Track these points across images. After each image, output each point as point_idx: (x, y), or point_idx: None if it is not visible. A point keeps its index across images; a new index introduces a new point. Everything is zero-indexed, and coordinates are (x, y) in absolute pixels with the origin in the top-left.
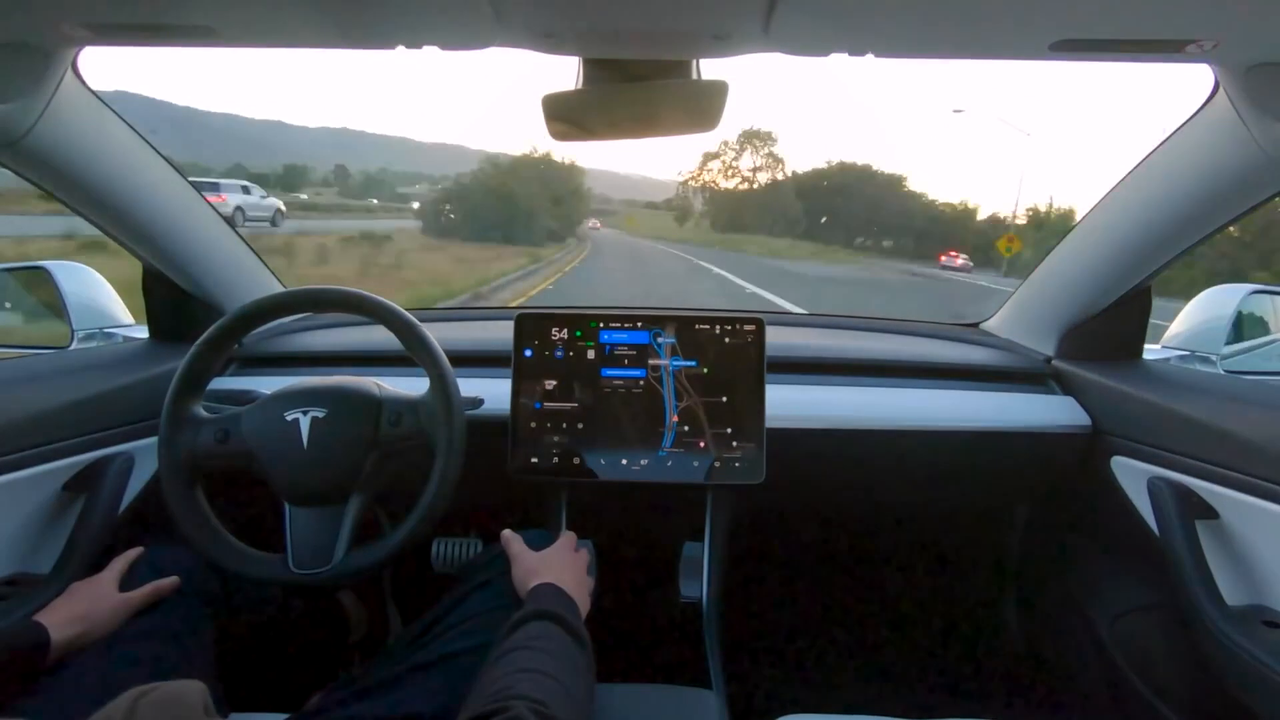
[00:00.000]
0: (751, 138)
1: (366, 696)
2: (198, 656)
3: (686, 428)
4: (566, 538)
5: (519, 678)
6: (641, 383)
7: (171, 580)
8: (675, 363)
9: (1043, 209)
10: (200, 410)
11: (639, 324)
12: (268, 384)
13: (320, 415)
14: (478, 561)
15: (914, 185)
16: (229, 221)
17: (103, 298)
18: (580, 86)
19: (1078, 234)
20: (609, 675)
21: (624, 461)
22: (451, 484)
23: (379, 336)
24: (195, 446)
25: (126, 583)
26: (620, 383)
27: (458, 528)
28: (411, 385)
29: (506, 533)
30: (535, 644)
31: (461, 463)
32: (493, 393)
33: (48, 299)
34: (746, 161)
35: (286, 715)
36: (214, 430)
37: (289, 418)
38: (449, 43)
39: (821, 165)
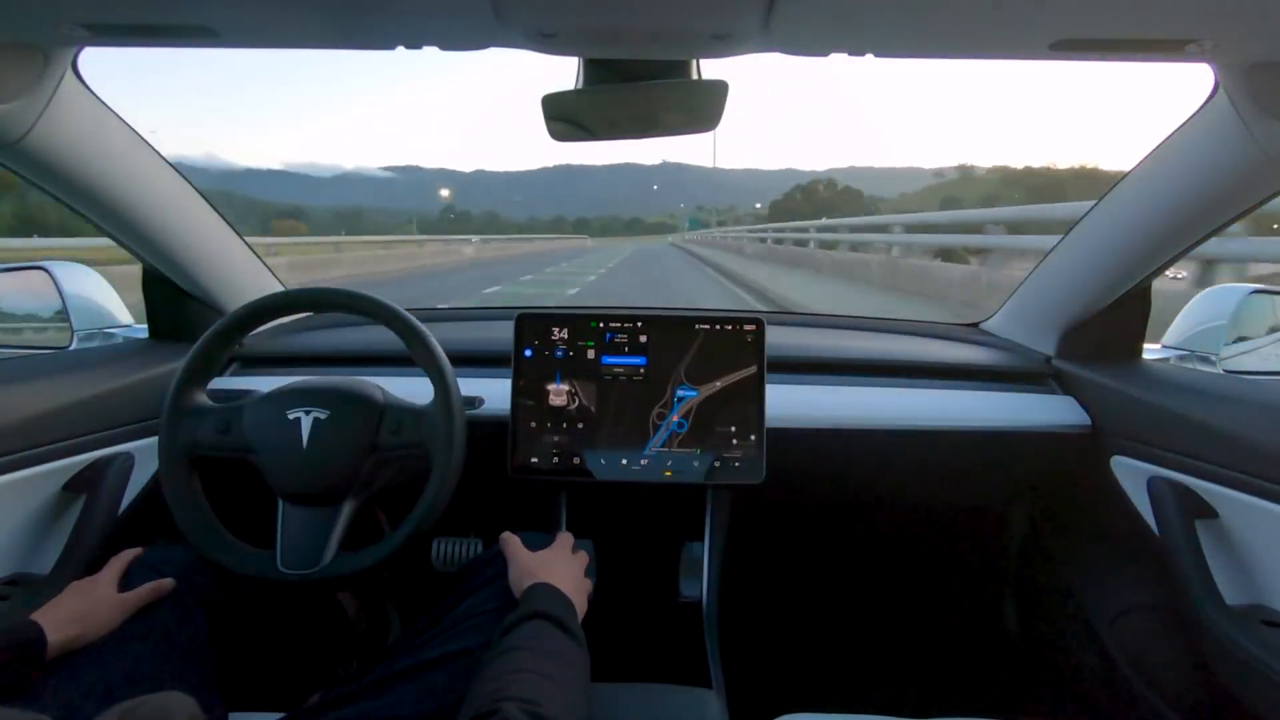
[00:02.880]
0: None
1: (363, 697)
2: (195, 657)
3: (686, 428)
4: (564, 538)
5: (511, 679)
6: (642, 377)
7: (169, 580)
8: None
9: None
10: (204, 399)
11: (639, 324)
12: (267, 384)
13: (322, 417)
14: (477, 562)
15: None
16: (229, 222)
17: (103, 298)
18: (580, 86)
19: (1078, 233)
20: (609, 675)
21: (624, 461)
22: (445, 497)
23: (380, 337)
24: (197, 434)
25: (124, 583)
26: (621, 382)
27: (458, 528)
28: (412, 386)
29: (505, 534)
30: (529, 644)
31: (457, 477)
32: (493, 393)
33: (47, 299)
34: None
35: (283, 715)
36: (217, 420)
37: (291, 416)
38: (449, 43)
39: None
